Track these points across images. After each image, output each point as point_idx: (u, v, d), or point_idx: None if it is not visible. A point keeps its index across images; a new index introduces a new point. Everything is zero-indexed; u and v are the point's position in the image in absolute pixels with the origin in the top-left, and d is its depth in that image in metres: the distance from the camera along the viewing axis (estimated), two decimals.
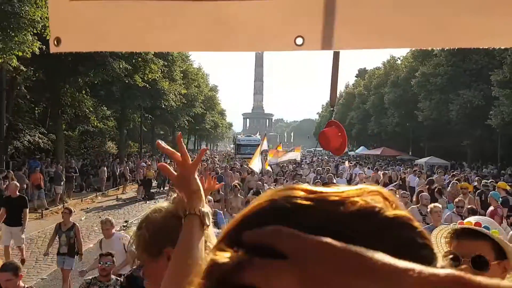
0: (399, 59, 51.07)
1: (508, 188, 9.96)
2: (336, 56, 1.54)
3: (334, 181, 15.24)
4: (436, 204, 6.83)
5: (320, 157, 42.06)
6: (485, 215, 8.18)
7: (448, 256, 1.56)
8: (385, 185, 15.75)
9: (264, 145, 17.17)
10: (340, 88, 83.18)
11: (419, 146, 43.67)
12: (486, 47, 1.28)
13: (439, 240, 1.75)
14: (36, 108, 21.73)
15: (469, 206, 7.55)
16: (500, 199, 8.53)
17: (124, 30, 1.28)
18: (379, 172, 18.57)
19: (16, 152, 22.00)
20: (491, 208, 8.22)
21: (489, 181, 13.43)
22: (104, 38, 1.30)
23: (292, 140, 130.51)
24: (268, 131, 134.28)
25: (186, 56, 37.32)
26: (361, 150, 51.09)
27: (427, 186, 10.98)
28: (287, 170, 19.50)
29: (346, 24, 1.21)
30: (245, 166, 20.11)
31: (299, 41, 1.22)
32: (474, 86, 31.11)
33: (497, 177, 22.89)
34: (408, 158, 41.56)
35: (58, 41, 1.29)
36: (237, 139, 40.04)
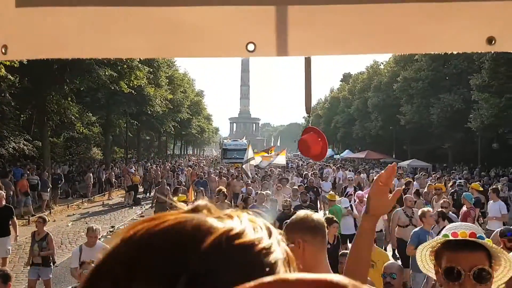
0: (382, 64, 52.05)
1: (480, 189, 10.41)
2: (307, 62, 1.53)
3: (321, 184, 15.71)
4: (429, 208, 6.82)
5: (305, 161, 42.48)
6: (457, 214, 8.58)
7: (446, 269, 1.54)
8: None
9: (250, 154, 17.14)
10: (325, 92, 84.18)
11: (402, 149, 44.43)
12: (432, 52, 1.34)
13: (424, 254, 1.72)
14: (22, 115, 21.69)
15: (439, 210, 7.68)
16: (473, 199, 8.94)
17: (74, 36, 1.27)
18: (361, 174, 19.02)
19: (1, 159, 21.93)
20: (464, 209, 8.63)
21: (462, 181, 14.06)
22: (53, 45, 1.29)
23: (278, 144, 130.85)
24: (255, 135, 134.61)
25: (171, 61, 37.50)
26: (346, 154, 51.78)
27: (403, 187, 11.31)
28: (272, 174, 19.58)
29: (299, 30, 1.23)
30: (232, 171, 20.12)
31: (250, 47, 1.23)
32: (454, 90, 31.91)
33: (472, 178, 23.60)
34: (391, 161, 42.25)
35: (5, 48, 1.26)
36: (223, 144, 39.75)
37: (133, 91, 21.95)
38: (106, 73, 17.74)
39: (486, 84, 26.12)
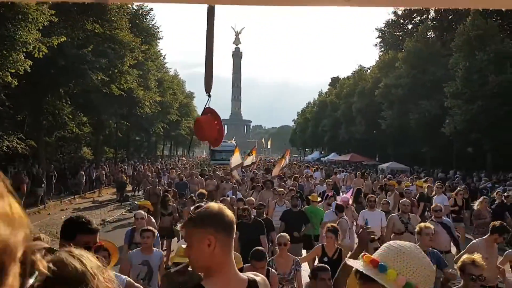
0: (369, 69, 53.70)
1: (423, 185, 11.75)
2: (210, 12, 1.37)
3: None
4: (428, 225, 5.74)
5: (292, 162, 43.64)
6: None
7: None
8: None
9: (237, 159, 16.24)
10: (314, 96, 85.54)
11: (385, 153, 45.95)
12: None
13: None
14: (18, 116, 22.70)
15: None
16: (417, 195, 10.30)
17: None
18: (337, 175, 20.41)
19: None
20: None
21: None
22: None
23: (269, 147, 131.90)
24: (246, 137, 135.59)
25: (161, 64, 38.66)
26: (332, 156, 53.19)
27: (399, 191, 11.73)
28: (257, 177, 17.77)
29: None
30: (218, 173, 19.74)
31: None
32: (432, 96, 33.42)
33: (447, 180, 25.12)
34: (372, 164, 43.78)
35: None
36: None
37: (123, 93, 23.12)
38: (98, 78, 18.95)
39: (459, 92, 27.66)
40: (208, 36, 1.34)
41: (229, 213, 1.81)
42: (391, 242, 1.55)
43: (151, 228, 5.49)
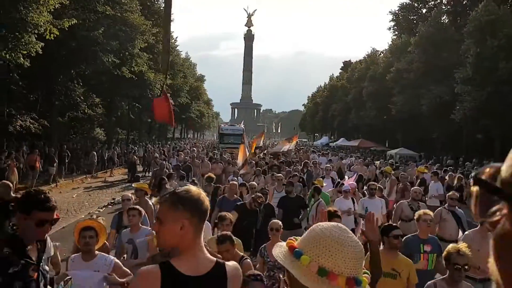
0: (382, 53, 53.16)
1: (425, 171, 11.96)
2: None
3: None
4: (427, 211, 5.67)
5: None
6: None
7: None
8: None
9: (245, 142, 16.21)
10: (325, 80, 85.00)
11: (395, 138, 45.81)
12: None
13: None
14: (31, 96, 23.19)
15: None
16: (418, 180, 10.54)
17: None
18: (343, 160, 20.62)
19: (11, 136, 23.46)
20: (400, 185, 10.23)
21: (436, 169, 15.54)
22: None
23: (279, 131, 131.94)
24: (256, 121, 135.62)
25: (172, 47, 38.79)
26: (341, 142, 53.19)
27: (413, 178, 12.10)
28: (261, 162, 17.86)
29: None
30: (225, 156, 19.86)
31: None
32: (444, 82, 33.15)
33: (458, 166, 25.20)
34: (381, 150, 43.75)
35: None
36: (220, 128, 39.64)
37: (134, 76, 23.44)
38: (109, 60, 19.27)
39: (470, 78, 27.45)
40: (165, 22, 1.33)
41: (206, 200, 1.85)
42: (315, 225, 1.47)
43: (136, 206, 5.49)
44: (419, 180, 10.47)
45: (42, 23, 12.90)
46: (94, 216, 4.84)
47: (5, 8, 12.12)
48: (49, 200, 2.56)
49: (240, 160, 14.56)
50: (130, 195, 6.88)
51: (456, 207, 7.23)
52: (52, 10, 13.45)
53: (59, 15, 15.17)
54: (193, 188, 1.86)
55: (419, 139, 40.45)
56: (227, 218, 5.21)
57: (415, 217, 5.54)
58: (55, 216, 2.61)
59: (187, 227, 1.75)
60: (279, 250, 1.47)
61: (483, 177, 0.50)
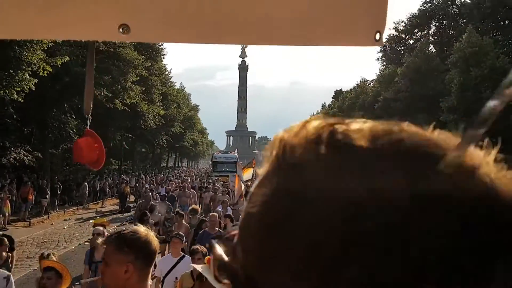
0: (372, 82, 54.38)
1: None
2: (91, 48, 1.44)
3: None
4: None
5: None
6: None
7: None
8: None
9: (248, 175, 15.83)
10: (317, 108, 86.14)
11: None
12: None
13: None
14: (25, 129, 23.61)
15: None
16: None
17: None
18: None
19: (4, 169, 23.75)
20: None
21: None
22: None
23: None
24: (251, 148, 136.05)
25: (166, 79, 39.68)
26: None
27: None
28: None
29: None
30: (217, 185, 19.43)
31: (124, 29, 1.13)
32: (431, 111, 33.95)
33: None
34: None
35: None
36: (213, 156, 39.36)
37: (127, 108, 24.01)
38: (102, 94, 19.88)
39: (454, 107, 28.27)
40: (89, 62, 1.49)
41: (154, 241, 1.78)
42: None
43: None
44: None
45: (35, 61, 13.54)
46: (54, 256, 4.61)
47: (0, 47, 12.74)
48: None
49: (236, 194, 14.12)
50: (101, 229, 6.64)
51: None
52: (45, 48, 14.09)
53: (53, 52, 15.79)
54: (140, 229, 1.79)
55: None
56: (199, 251, 5.08)
57: None
58: None
59: (131, 271, 1.68)
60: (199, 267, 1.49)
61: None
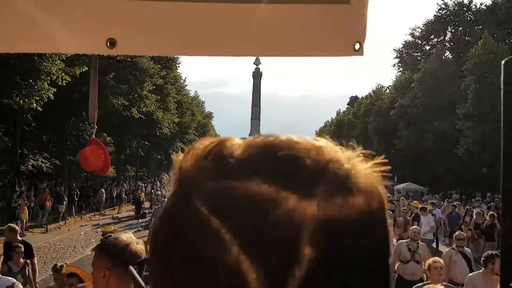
0: (388, 88, 54.02)
1: (418, 206, 12.34)
2: (94, 61, 1.46)
3: None
4: (437, 258, 5.42)
5: None
6: None
7: None
8: None
9: None
10: (332, 115, 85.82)
11: (403, 173, 45.84)
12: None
13: None
14: (43, 136, 24.16)
15: None
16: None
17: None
18: None
19: (22, 175, 24.28)
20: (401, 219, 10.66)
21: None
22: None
23: None
24: None
25: (181, 87, 40.14)
26: None
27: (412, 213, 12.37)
28: None
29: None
30: None
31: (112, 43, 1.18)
32: (447, 117, 33.64)
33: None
34: (391, 184, 43.66)
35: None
36: None
37: (143, 116, 24.42)
38: (119, 102, 20.30)
39: (470, 113, 27.99)
40: (93, 75, 1.57)
41: (136, 248, 1.75)
42: None
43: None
44: (413, 215, 10.90)
45: (54, 71, 14.00)
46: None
47: (20, 58, 13.18)
48: None
49: None
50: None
51: (465, 248, 7.02)
52: (64, 58, 14.52)
53: (71, 62, 16.22)
54: (122, 237, 1.79)
55: (427, 174, 40.51)
56: None
57: (425, 266, 5.39)
58: None
59: (107, 277, 1.69)
60: None
61: None
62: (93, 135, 1.67)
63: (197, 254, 0.31)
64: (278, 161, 0.33)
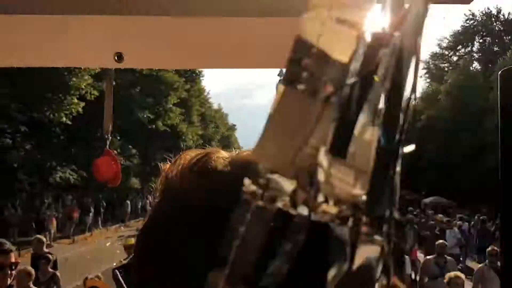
0: (415, 100, 53.07)
1: (443, 220, 12.04)
2: (109, 79, 1.47)
3: None
4: (458, 273, 5.26)
5: None
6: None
7: None
8: None
9: None
10: None
11: (431, 187, 44.82)
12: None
13: None
14: (72, 149, 24.66)
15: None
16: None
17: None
18: None
19: (50, 187, 24.82)
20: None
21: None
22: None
23: None
24: None
25: (205, 99, 40.57)
26: None
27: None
28: None
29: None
30: None
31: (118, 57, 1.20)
32: (475, 129, 32.84)
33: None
34: (419, 198, 42.78)
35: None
36: None
37: (167, 129, 24.74)
38: (145, 116, 20.65)
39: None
40: (108, 91, 1.62)
41: None
42: None
43: None
44: (438, 229, 10.66)
45: (83, 86, 14.40)
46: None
47: (50, 73, 13.60)
48: (2, 244, 2.58)
49: None
50: None
51: (498, 263, 6.32)
52: (93, 74, 14.91)
53: (100, 77, 16.62)
54: None
55: (454, 187, 39.50)
56: None
57: (445, 280, 5.17)
58: (13, 260, 2.59)
59: None
60: None
61: None
62: (107, 146, 1.73)
63: (178, 262, 0.33)
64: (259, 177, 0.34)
